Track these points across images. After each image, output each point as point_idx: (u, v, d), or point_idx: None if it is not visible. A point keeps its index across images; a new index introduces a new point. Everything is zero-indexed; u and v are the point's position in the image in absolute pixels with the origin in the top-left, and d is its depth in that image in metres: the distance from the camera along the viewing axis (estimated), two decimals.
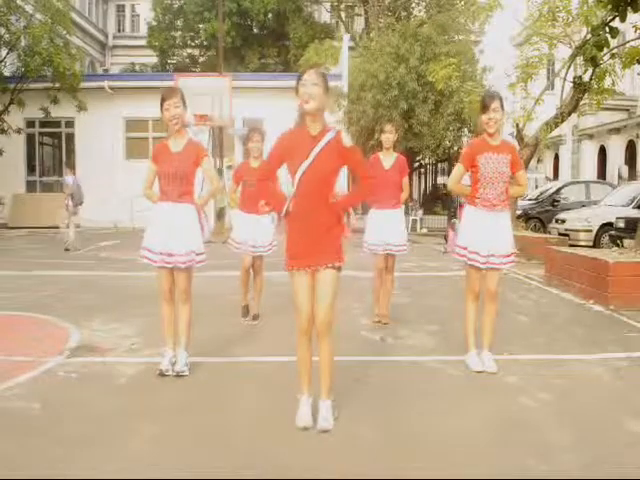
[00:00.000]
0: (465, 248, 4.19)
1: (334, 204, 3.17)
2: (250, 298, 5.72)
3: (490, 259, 4.11)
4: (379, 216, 5.45)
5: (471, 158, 4.15)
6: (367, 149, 14.89)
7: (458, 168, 4.29)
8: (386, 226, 5.41)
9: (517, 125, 12.13)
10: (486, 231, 4.09)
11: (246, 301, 5.70)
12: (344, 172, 3.45)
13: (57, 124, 20.20)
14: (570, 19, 11.93)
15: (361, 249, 5.55)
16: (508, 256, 4.18)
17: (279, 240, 5.45)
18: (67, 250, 11.95)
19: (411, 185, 23.04)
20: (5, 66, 17.89)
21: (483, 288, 4.23)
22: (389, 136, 5.39)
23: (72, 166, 14.39)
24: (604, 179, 23.98)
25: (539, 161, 31.06)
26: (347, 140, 3.12)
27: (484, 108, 4.09)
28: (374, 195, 5.27)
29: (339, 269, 3.19)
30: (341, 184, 3.45)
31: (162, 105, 3.91)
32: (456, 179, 4.30)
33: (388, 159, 5.44)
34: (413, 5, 26.14)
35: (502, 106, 4.10)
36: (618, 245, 9.21)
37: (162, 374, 3.96)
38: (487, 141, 4.14)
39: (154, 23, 30.05)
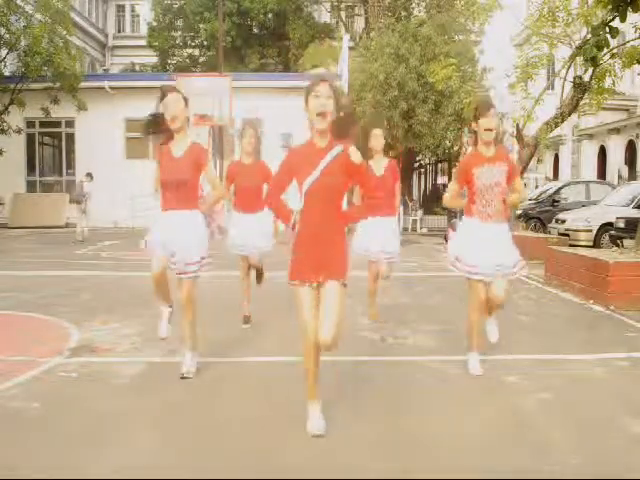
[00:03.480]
0: (461, 261, 4.07)
1: (342, 214, 3.12)
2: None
3: (497, 269, 3.98)
4: (372, 223, 5.15)
5: (465, 173, 4.05)
6: (368, 150, 14.91)
7: (452, 185, 4.26)
8: (379, 234, 5.24)
9: (517, 125, 12.14)
10: (486, 244, 3.95)
11: (248, 311, 5.55)
12: None
13: (57, 124, 20.21)
14: (570, 19, 11.94)
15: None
16: (510, 269, 4.05)
17: (285, 249, 5.38)
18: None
19: (411, 185, 23.08)
20: (5, 66, 17.90)
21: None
22: (380, 140, 5.22)
23: (84, 171, 15.46)
24: (604, 179, 23.95)
25: (539, 161, 31.04)
26: (356, 156, 2.98)
27: (480, 115, 3.96)
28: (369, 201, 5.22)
29: (344, 285, 3.08)
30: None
31: (162, 100, 3.79)
32: (451, 196, 4.25)
33: (379, 165, 5.29)
34: (413, 5, 26.13)
35: (496, 114, 4.04)
36: (618, 245, 9.22)
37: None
38: (482, 153, 4.02)
39: (154, 23, 30.06)
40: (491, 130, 3.95)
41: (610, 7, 7.17)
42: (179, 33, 30.15)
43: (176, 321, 4.08)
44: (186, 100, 3.88)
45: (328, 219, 3.03)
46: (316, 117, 2.95)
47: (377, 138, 5.26)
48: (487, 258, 3.97)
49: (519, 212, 14.08)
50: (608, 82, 11.65)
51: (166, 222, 3.92)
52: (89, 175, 14.70)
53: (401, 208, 5.62)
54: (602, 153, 27.63)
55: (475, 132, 4.08)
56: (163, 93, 3.81)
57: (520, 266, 4.11)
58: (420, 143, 17.77)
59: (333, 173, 2.99)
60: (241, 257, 5.52)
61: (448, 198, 4.27)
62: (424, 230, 19.07)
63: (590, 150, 28.30)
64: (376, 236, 5.27)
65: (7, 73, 17.91)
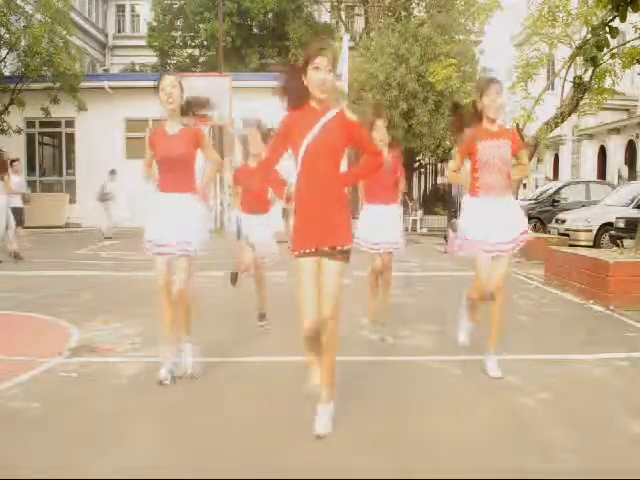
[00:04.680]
0: (470, 240, 4.04)
1: (340, 177, 3.07)
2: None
3: (498, 246, 3.95)
4: (374, 212, 5.04)
5: (469, 146, 4.04)
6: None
7: (454, 160, 4.29)
8: (382, 223, 5.05)
9: (517, 125, 12.14)
10: (491, 218, 3.93)
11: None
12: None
13: (57, 124, 20.19)
14: (570, 19, 11.96)
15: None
16: (518, 237, 4.00)
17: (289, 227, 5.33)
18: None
19: (411, 185, 23.07)
20: (5, 66, 17.89)
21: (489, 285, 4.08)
22: (383, 131, 4.97)
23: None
24: (604, 179, 23.96)
25: (539, 161, 31.03)
26: (352, 115, 2.98)
27: (485, 91, 3.95)
28: (371, 189, 5.03)
29: (346, 254, 3.03)
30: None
31: (158, 87, 3.79)
32: (453, 167, 4.28)
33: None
34: (413, 5, 26.13)
35: (502, 90, 4.04)
36: (618, 245, 9.22)
37: (161, 383, 3.82)
38: (486, 128, 4.02)
39: (154, 23, 30.05)
40: (494, 106, 3.94)
41: (610, 7, 7.18)
42: (179, 33, 30.12)
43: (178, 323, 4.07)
44: (181, 84, 3.87)
45: (327, 180, 2.99)
46: (318, 90, 2.95)
47: (380, 129, 5.05)
48: (494, 232, 3.93)
49: None
50: (608, 82, 11.67)
51: (163, 205, 3.85)
52: (112, 172, 14.78)
53: (401, 208, 5.46)
54: (602, 153, 27.64)
55: (478, 110, 4.04)
56: (159, 79, 3.82)
57: (518, 242, 4.02)
58: (420, 143, 17.79)
59: (331, 132, 2.96)
60: (245, 253, 5.35)
61: (450, 169, 4.32)
62: (424, 230, 19.07)
63: (590, 150, 28.31)
64: (379, 226, 5.04)
65: (7, 73, 17.88)
